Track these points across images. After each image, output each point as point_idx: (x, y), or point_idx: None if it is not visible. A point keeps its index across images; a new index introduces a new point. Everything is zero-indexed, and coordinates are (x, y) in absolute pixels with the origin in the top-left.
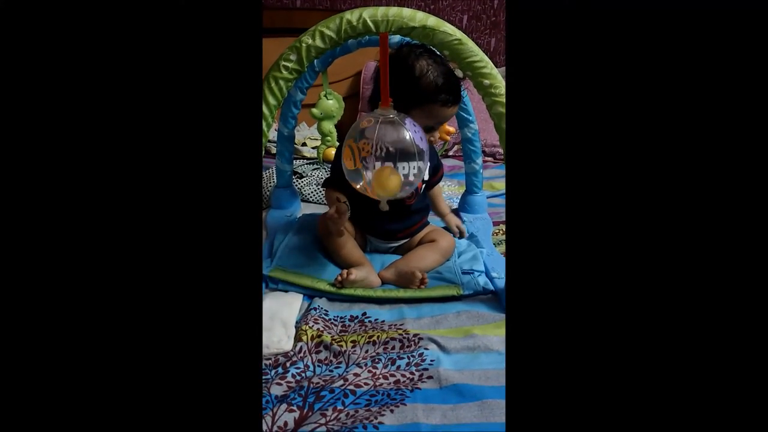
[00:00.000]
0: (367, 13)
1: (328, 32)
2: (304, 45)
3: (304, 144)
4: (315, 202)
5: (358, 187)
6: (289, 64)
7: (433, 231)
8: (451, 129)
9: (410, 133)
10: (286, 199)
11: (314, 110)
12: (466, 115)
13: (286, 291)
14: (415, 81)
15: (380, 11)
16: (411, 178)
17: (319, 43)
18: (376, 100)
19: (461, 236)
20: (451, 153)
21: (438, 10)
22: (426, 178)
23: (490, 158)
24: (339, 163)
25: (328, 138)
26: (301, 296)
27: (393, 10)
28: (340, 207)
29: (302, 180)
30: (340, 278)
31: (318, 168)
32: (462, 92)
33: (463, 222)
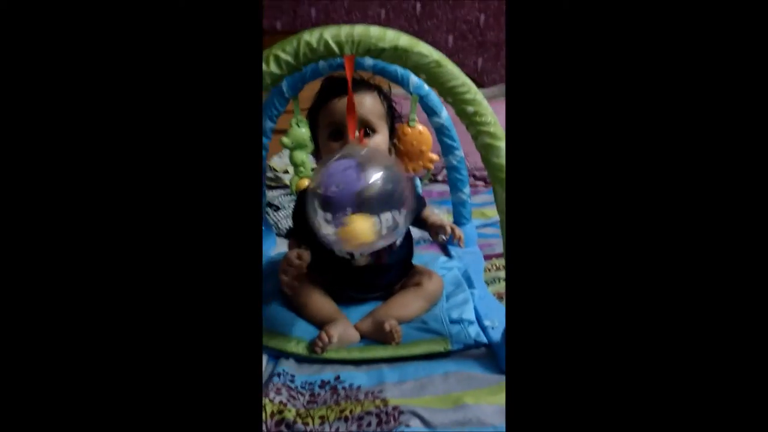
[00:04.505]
0: (329, 33)
1: (284, 56)
2: None
3: (286, 171)
4: None
5: (323, 237)
6: None
7: (419, 272)
8: (435, 156)
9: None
10: None
11: (284, 139)
12: (449, 141)
13: None
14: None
15: (344, 30)
16: (384, 231)
17: (273, 68)
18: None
19: (456, 239)
20: (440, 177)
21: (423, 31)
22: (402, 231)
23: (480, 181)
24: (302, 210)
25: (301, 168)
26: (265, 358)
27: (359, 29)
28: (301, 253)
29: (278, 213)
30: (320, 344)
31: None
32: (439, 112)
33: (451, 258)
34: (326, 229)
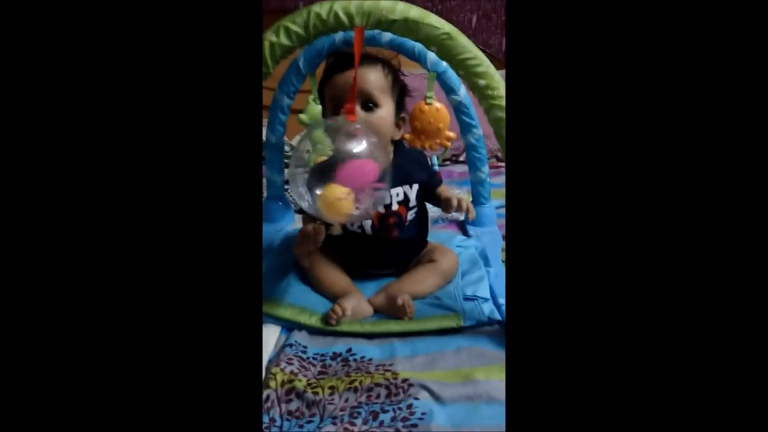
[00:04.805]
0: (339, 5)
1: (294, 28)
2: (267, 43)
3: (308, 151)
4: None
5: (304, 206)
6: None
7: (434, 249)
8: (452, 134)
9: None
10: (277, 212)
11: (302, 116)
12: (468, 120)
13: (263, 323)
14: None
15: (354, 2)
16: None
17: (284, 40)
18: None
19: (462, 211)
20: (461, 158)
21: (446, 10)
22: (389, 202)
23: (503, 163)
24: None
25: (319, 146)
26: (278, 329)
27: (369, 1)
28: (317, 228)
29: None
30: (334, 317)
31: None
32: (457, 89)
33: (469, 236)
34: (306, 200)
